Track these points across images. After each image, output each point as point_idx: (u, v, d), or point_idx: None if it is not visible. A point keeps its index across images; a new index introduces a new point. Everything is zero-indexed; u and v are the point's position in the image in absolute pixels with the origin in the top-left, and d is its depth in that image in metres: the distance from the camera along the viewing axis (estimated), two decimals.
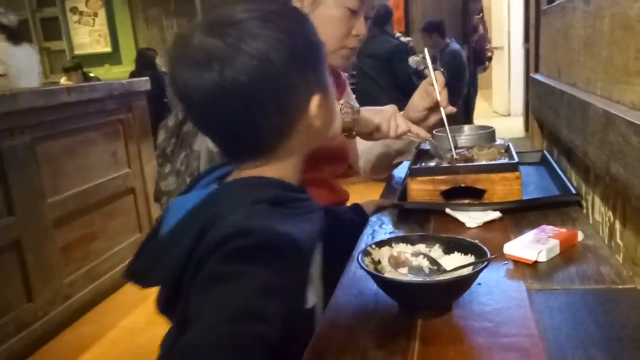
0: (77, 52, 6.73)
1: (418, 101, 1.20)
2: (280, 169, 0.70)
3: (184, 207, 0.66)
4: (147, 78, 3.05)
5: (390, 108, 1.11)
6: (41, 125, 2.23)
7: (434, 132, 1.36)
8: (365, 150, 1.37)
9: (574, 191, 1.05)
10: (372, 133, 1.09)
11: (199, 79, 0.63)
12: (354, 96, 1.39)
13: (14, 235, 2.06)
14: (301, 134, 0.69)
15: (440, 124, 1.20)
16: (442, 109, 1.16)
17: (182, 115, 1.28)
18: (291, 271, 0.60)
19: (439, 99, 1.16)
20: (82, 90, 2.50)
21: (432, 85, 1.16)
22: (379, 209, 1.12)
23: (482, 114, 6.68)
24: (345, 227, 1.03)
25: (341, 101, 1.07)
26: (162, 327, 0.71)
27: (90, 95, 2.51)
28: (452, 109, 1.18)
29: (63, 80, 5.41)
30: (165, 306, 0.66)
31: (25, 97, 2.17)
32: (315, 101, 0.68)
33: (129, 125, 2.82)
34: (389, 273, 0.71)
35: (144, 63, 5.09)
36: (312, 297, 0.70)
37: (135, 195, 2.83)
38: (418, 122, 1.20)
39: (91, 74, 5.64)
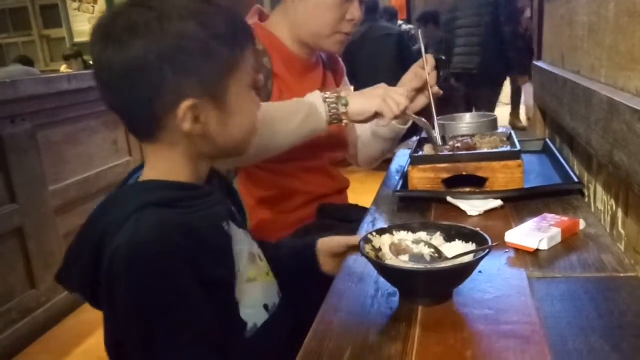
0: (77, 39, 6.69)
1: (407, 82, 1.19)
2: (171, 168, 0.70)
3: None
4: None
5: (382, 88, 1.07)
6: (42, 113, 2.22)
7: (436, 120, 1.36)
8: (353, 140, 1.36)
9: (576, 179, 1.05)
10: (372, 119, 1.08)
11: (109, 54, 0.65)
12: (351, 88, 1.38)
13: (17, 222, 2.07)
14: (174, 134, 0.67)
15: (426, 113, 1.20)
16: (429, 88, 1.17)
17: None
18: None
19: (428, 79, 1.16)
20: (83, 77, 2.48)
21: (423, 68, 1.17)
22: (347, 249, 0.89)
23: None
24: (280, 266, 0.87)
25: (326, 93, 1.05)
26: None
27: (90, 83, 2.48)
28: (439, 91, 1.19)
29: (63, 68, 5.40)
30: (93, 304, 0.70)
31: (26, 84, 2.17)
32: (185, 106, 0.65)
33: None
34: (390, 260, 0.71)
35: None
36: (246, 293, 0.72)
37: None
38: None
39: (92, 62, 5.61)
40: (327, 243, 0.91)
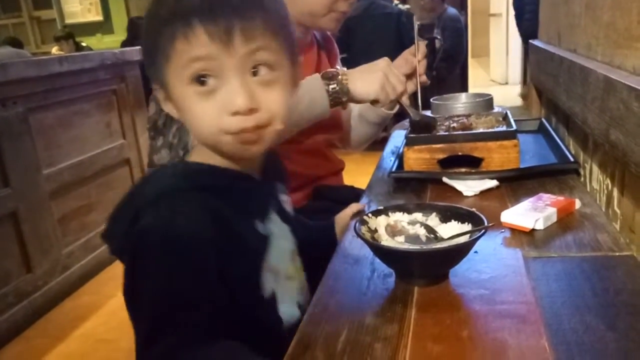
0: (68, 21, 6.60)
1: (397, 68, 1.18)
2: (211, 153, 0.68)
3: None
4: (139, 47, 2.99)
5: (381, 69, 1.04)
6: (33, 96, 2.20)
7: (431, 100, 1.35)
8: (347, 120, 1.35)
9: (571, 159, 1.05)
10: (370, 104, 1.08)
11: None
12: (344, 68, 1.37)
13: (10, 206, 2.05)
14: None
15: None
16: (418, 76, 1.17)
17: None
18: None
19: (417, 67, 1.16)
20: (74, 60, 2.45)
21: (414, 55, 1.17)
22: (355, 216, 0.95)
23: (479, 82, 6.63)
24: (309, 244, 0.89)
25: (328, 82, 1.03)
26: None
27: (82, 65, 2.47)
28: (426, 80, 1.19)
29: (54, 50, 5.33)
30: None
31: (17, 67, 2.13)
32: (157, 88, 0.67)
33: (123, 96, 2.78)
34: (386, 241, 0.71)
35: (136, 32, 4.99)
36: (269, 285, 0.69)
37: (131, 167, 2.82)
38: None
39: (83, 44, 5.54)
40: (342, 219, 0.94)
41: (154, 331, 0.59)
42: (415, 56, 1.16)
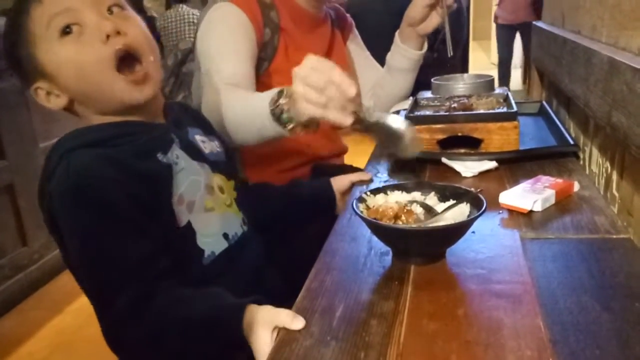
0: None
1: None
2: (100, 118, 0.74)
3: None
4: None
5: (298, 79, 0.69)
6: None
7: (432, 80, 1.33)
8: (362, 95, 1.34)
9: (571, 142, 1.04)
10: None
11: None
12: (361, 43, 1.35)
13: (7, 179, 2.04)
14: None
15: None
16: (444, 4, 1.12)
17: (181, 55, 1.24)
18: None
19: None
20: None
21: None
22: (352, 186, 0.99)
23: (479, 64, 6.58)
24: (302, 203, 0.98)
25: (273, 108, 0.76)
26: None
27: None
28: (452, 3, 1.14)
29: None
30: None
31: None
32: (39, 87, 0.73)
33: None
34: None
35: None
36: (184, 217, 0.73)
37: None
38: (418, 22, 1.17)
39: None
40: (339, 181, 0.99)
41: (108, 291, 0.64)
42: None
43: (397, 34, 1.25)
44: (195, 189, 0.76)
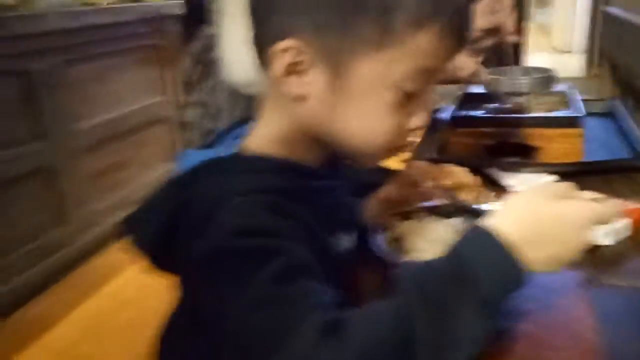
0: None
1: (477, 19, 0.98)
2: (282, 137, 0.54)
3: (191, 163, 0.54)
4: (181, 1, 2.90)
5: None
6: (71, 48, 2.18)
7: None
8: None
9: None
10: None
11: None
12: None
13: (47, 159, 2.07)
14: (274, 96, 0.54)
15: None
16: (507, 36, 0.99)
17: (206, 40, 1.17)
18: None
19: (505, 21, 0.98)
20: (113, 11, 2.41)
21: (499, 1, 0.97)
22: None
23: (538, 48, 6.23)
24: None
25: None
26: None
27: (121, 18, 2.43)
28: (516, 38, 1.01)
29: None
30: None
31: (55, 17, 2.11)
32: (284, 45, 0.49)
33: (162, 51, 2.73)
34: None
35: None
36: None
37: (169, 124, 2.78)
38: (470, 44, 1.03)
39: None
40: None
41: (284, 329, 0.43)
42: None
43: None
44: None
